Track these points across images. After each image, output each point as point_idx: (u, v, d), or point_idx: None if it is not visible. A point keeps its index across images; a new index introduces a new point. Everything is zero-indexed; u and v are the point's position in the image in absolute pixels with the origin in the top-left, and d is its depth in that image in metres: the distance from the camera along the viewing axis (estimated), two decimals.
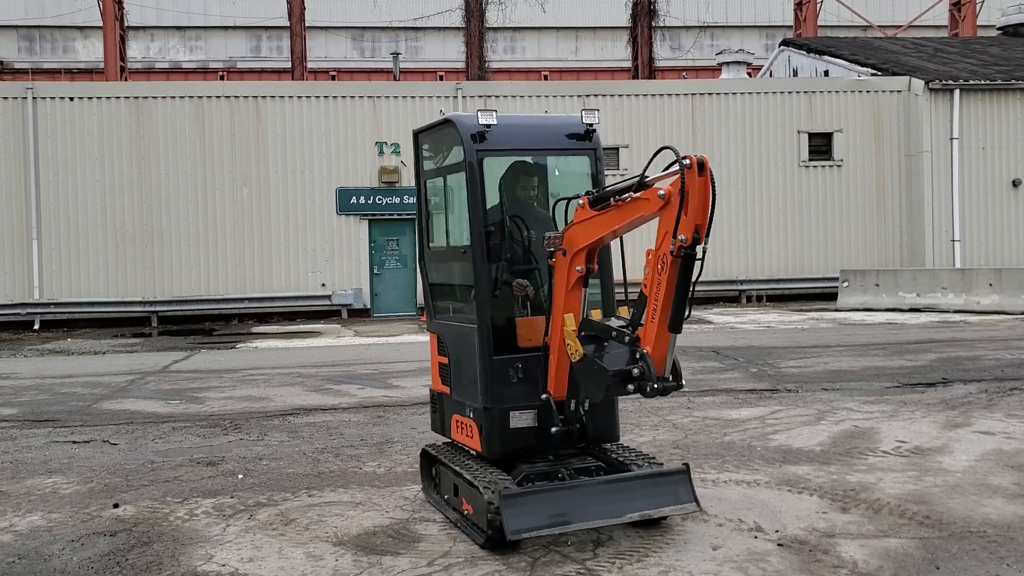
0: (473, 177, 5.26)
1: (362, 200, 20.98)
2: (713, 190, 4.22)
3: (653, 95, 21.93)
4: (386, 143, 21.20)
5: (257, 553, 5.15)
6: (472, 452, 5.56)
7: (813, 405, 8.89)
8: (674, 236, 4.21)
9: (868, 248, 22.01)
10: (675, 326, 4.41)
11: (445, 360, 5.69)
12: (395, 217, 21.21)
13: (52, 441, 8.32)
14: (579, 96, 21.77)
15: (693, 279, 4.31)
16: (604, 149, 19.85)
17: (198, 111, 20.77)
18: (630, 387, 4.50)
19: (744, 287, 21.45)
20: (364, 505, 5.97)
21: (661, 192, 4.30)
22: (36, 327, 19.76)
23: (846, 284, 19.88)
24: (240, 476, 6.86)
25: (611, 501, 5.04)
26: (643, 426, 8.11)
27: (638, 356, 4.43)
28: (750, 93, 22.18)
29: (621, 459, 5.50)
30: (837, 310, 19.34)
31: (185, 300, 20.19)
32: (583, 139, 5.57)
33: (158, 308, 19.97)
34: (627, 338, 4.54)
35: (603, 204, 4.71)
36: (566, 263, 4.93)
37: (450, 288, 5.91)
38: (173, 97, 20.94)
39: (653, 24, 31.84)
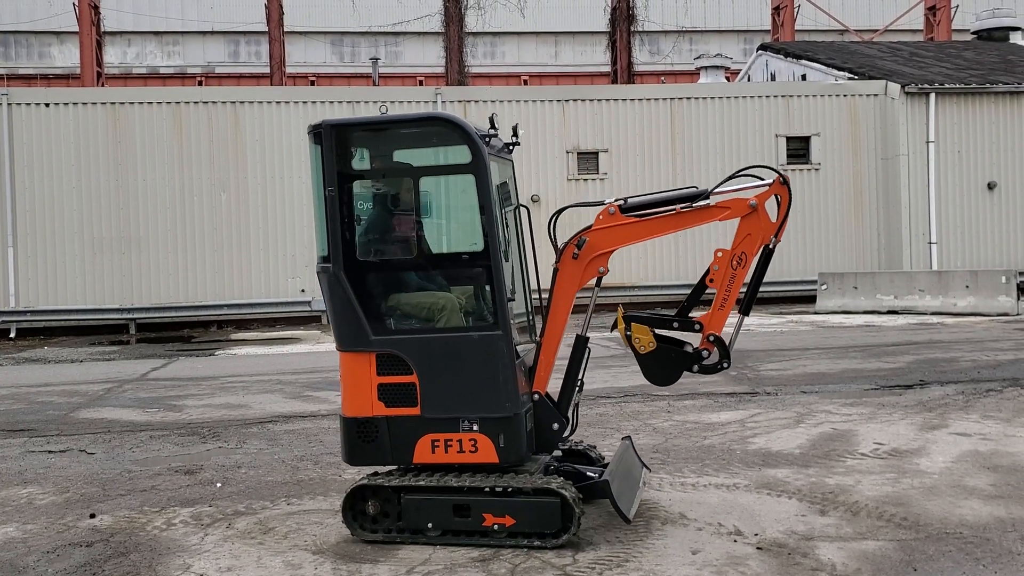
0: (487, 179, 5.15)
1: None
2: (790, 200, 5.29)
3: (632, 100, 22.00)
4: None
5: (236, 562, 5.12)
6: (455, 467, 5.29)
7: (792, 408, 8.93)
8: (775, 236, 5.24)
9: (846, 251, 22.18)
10: (748, 310, 5.53)
11: (405, 379, 5.25)
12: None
13: (27, 451, 8.23)
14: (559, 101, 21.81)
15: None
16: (585, 153, 19.75)
17: (176, 117, 20.65)
18: (695, 367, 5.38)
19: None
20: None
21: (753, 202, 5.20)
22: (12, 335, 19.54)
23: (824, 287, 20.00)
24: (218, 485, 6.81)
25: (631, 472, 5.72)
26: (623, 430, 8.12)
27: (711, 339, 5.30)
28: (728, 97, 22.30)
29: (579, 448, 6.03)
30: (816, 313, 19.46)
31: (163, 307, 20.04)
32: (511, 152, 5.94)
33: (136, 315, 19.80)
34: (695, 325, 5.31)
35: (643, 212, 5.29)
36: (579, 267, 5.28)
37: (410, 298, 5.52)
38: (151, 103, 20.80)
39: (632, 29, 31.92)
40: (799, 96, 22.38)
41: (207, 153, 20.69)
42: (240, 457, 7.72)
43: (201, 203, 20.54)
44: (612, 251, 5.30)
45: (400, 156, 5.76)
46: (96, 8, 30.45)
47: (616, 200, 5.35)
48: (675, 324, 5.34)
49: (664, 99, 22.06)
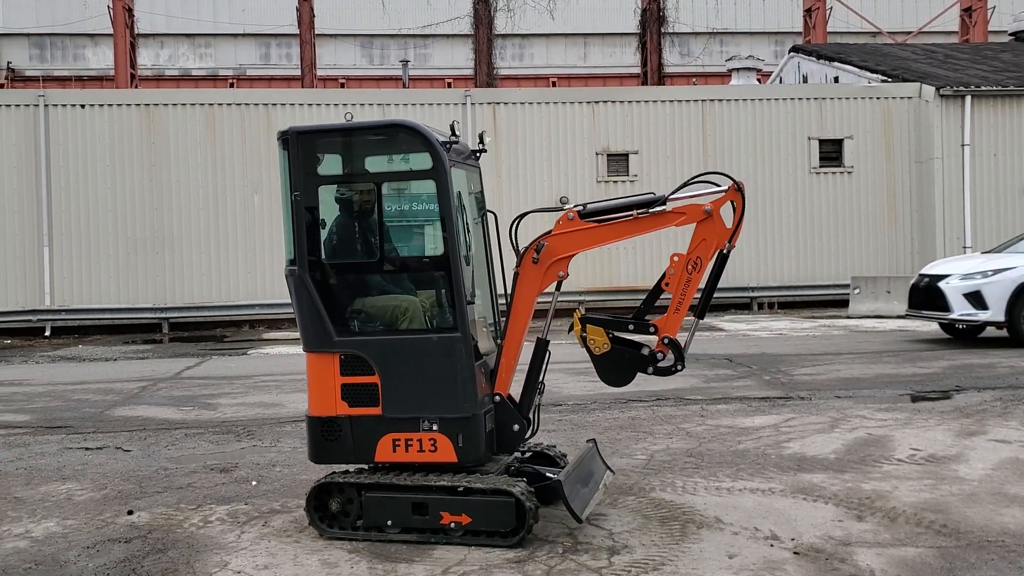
0: (448, 185, 5.27)
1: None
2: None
3: (663, 101, 21.91)
4: None
5: (272, 560, 5.15)
6: (417, 466, 5.40)
7: (826, 413, 8.85)
8: (729, 241, 5.34)
9: (879, 255, 21.94)
10: (703, 314, 5.59)
11: (367, 379, 5.39)
12: (403, 223, 21.21)
13: (65, 447, 8.34)
14: (588, 102, 21.77)
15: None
16: (615, 155, 19.71)
17: (209, 118, 20.85)
18: (649, 369, 5.47)
19: (755, 294, 21.40)
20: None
21: (708, 208, 5.28)
22: (47, 333, 19.81)
23: (857, 291, 19.81)
24: (254, 483, 6.87)
25: (590, 475, 5.77)
26: (656, 435, 8.09)
27: (666, 342, 5.39)
28: (760, 100, 22.15)
29: (541, 450, 6.17)
30: (848, 317, 19.28)
31: (196, 306, 20.23)
32: (478, 158, 6.04)
33: (169, 314, 20.01)
34: (650, 328, 5.38)
35: (601, 217, 5.42)
36: (539, 271, 5.42)
37: (373, 301, 5.66)
38: (184, 104, 21.02)
39: (662, 30, 31.85)
40: (832, 98, 22.18)
41: (240, 154, 20.87)
42: (274, 455, 7.77)
43: (234, 204, 20.72)
44: (572, 255, 5.44)
45: (365, 162, 5.87)
46: (130, 11, 30.83)
47: (576, 206, 5.49)
48: (631, 327, 5.46)
49: (695, 101, 21.95)
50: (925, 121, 21.79)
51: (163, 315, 20.02)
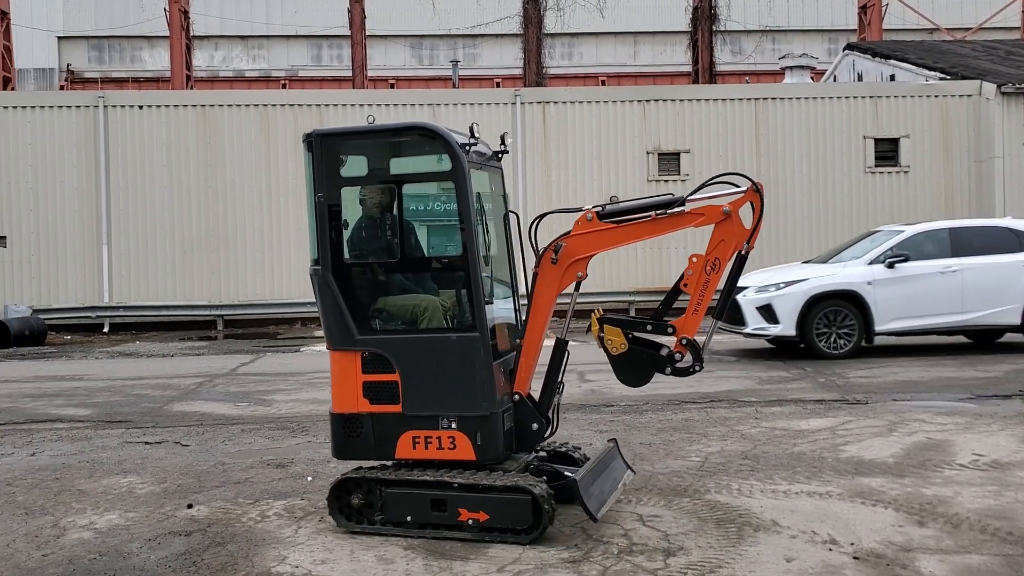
0: (467, 187, 5.32)
1: (420, 206, 21.09)
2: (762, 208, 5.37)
3: (715, 100, 21.72)
4: None
5: (329, 555, 5.21)
6: (437, 463, 5.47)
7: (883, 416, 8.70)
8: (747, 242, 5.32)
9: None
10: (721, 314, 5.58)
11: (388, 377, 5.47)
12: (451, 223, 21.31)
13: (126, 442, 8.52)
14: (639, 101, 21.65)
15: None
16: (666, 154, 19.56)
17: (263, 119, 21.14)
18: (667, 369, 5.46)
19: None
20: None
21: (726, 209, 5.28)
22: (105, 330, 20.27)
23: None
24: (309, 478, 6.94)
25: (609, 474, 5.77)
26: (711, 436, 8.02)
27: (684, 343, 5.37)
28: (815, 98, 21.84)
29: (562, 449, 6.17)
30: None
31: (250, 304, 20.54)
32: (499, 159, 6.08)
33: (223, 312, 20.34)
34: (668, 328, 5.39)
35: (620, 218, 5.44)
36: (558, 271, 5.45)
37: (394, 300, 5.73)
38: (239, 105, 21.35)
39: (714, 28, 31.56)
40: (888, 97, 21.79)
41: (293, 154, 21.10)
42: (328, 452, 7.81)
43: (287, 203, 20.98)
44: (591, 256, 5.48)
45: (386, 163, 5.95)
46: (186, 13, 31.37)
47: (594, 207, 5.53)
48: (649, 327, 5.49)
49: (748, 99, 21.72)
50: (985, 119, 21.30)
51: (218, 312, 20.36)
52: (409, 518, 5.41)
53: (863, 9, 30.92)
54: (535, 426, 5.61)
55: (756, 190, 5.34)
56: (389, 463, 5.63)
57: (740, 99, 21.74)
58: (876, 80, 24.68)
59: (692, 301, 5.36)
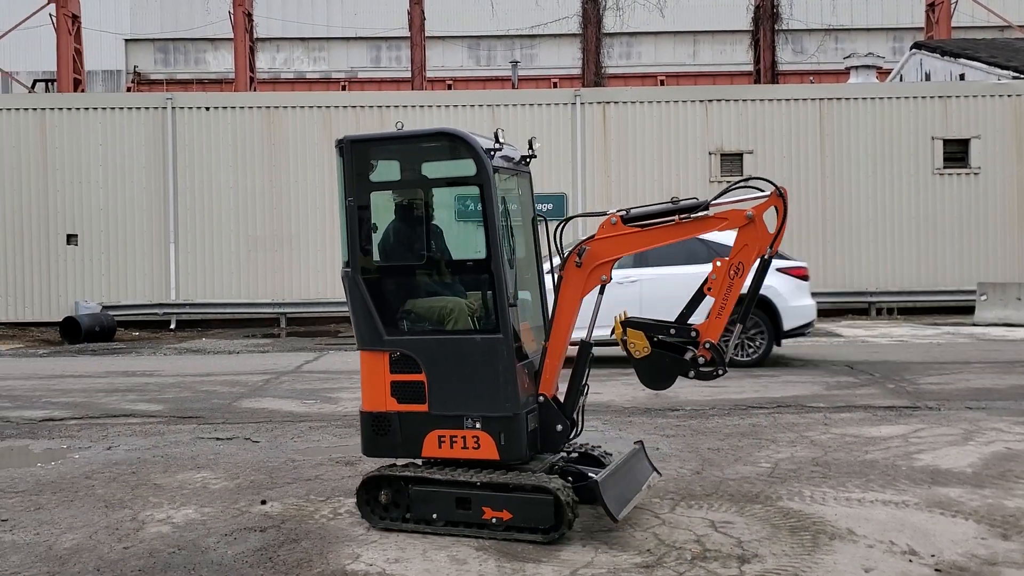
0: (492, 191, 5.40)
1: (476, 206, 21.16)
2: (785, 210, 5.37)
3: (779, 100, 21.43)
4: None
5: (402, 554, 5.24)
6: (462, 463, 5.56)
7: (958, 424, 8.49)
8: (770, 247, 5.31)
9: (1008, 260, 20.93)
10: (745, 319, 5.51)
11: (415, 377, 5.58)
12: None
13: (197, 437, 8.69)
14: (701, 101, 21.46)
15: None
16: (728, 155, 19.44)
17: (326, 120, 21.41)
18: (691, 373, 5.46)
19: (874, 299, 20.72)
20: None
21: (750, 213, 5.29)
22: (172, 326, 20.72)
23: (984, 297, 18.95)
24: None
25: (633, 476, 5.82)
26: (779, 442, 7.91)
27: (708, 346, 5.37)
28: (881, 98, 21.42)
29: (588, 451, 6.18)
30: (974, 324, 18.46)
31: (312, 303, 20.83)
32: (527, 164, 6.16)
33: (286, 310, 20.67)
34: (692, 332, 5.41)
35: (644, 222, 5.47)
36: (583, 275, 5.52)
37: (421, 302, 5.83)
38: (302, 107, 21.67)
39: (776, 27, 31.13)
40: (958, 97, 21.27)
41: None
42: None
43: None
44: (615, 260, 5.54)
45: (414, 168, 6.05)
46: (250, 16, 31.93)
47: (619, 211, 5.56)
48: (672, 331, 5.50)
49: (812, 99, 21.39)
50: None
51: (280, 310, 20.69)
52: (435, 515, 5.52)
53: (931, 7, 30.23)
54: (559, 427, 5.67)
55: (780, 194, 5.33)
56: (419, 461, 5.76)
57: (805, 99, 21.42)
58: (945, 80, 24.13)
59: (715, 305, 5.38)
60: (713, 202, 5.40)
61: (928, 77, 25.30)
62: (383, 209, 5.89)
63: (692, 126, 21.28)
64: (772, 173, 20.96)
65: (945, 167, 21.08)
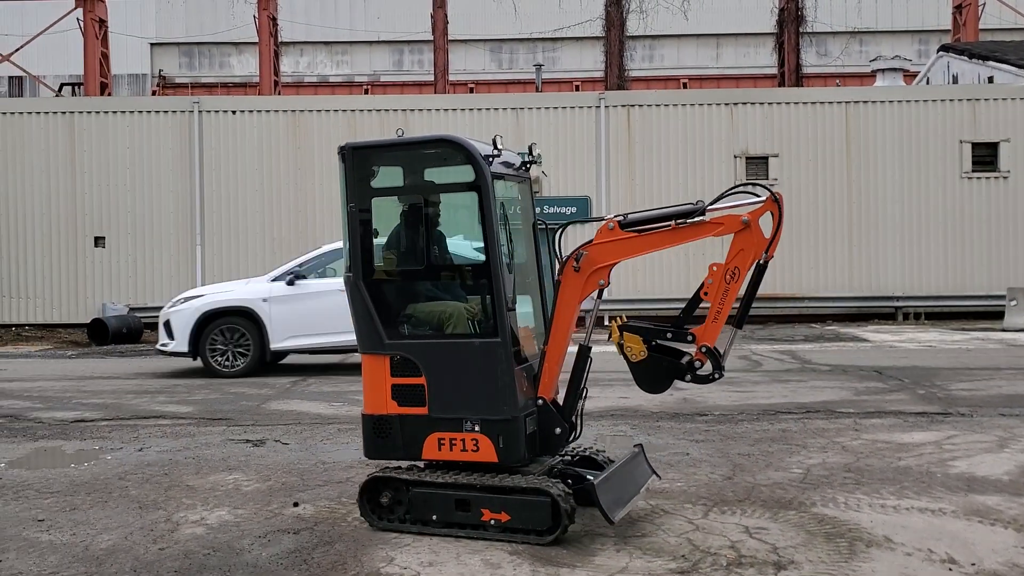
0: (490, 197, 5.48)
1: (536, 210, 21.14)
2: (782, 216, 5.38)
3: (805, 103, 21.29)
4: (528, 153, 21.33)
5: (436, 558, 5.25)
6: (461, 465, 5.65)
7: (992, 431, 8.41)
8: (766, 251, 5.33)
9: None
10: (741, 324, 5.59)
11: (415, 380, 5.66)
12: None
13: (228, 439, 8.74)
14: (726, 104, 21.36)
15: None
16: (754, 158, 19.35)
17: (351, 124, 21.48)
18: (687, 377, 5.49)
19: (900, 304, 20.54)
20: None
21: (745, 219, 5.30)
22: None
23: (1014, 303, 18.74)
24: None
25: (631, 479, 5.86)
26: (810, 448, 7.86)
27: (704, 351, 5.40)
28: (908, 101, 21.24)
29: (587, 454, 6.21)
30: (1004, 330, 18.26)
31: None
32: (527, 169, 6.22)
33: None
34: (688, 336, 5.45)
35: (642, 227, 5.52)
36: (581, 279, 5.56)
37: (421, 307, 5.91)
38: (327, 110, 21.76)
39: (800, 30, 30.92)
40: (986, 99, 21.05)
41: None
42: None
43: None
44: (613, 264, 5.57)
45: (414, 175, 6.13)
46: (274, 20, 32.10)
47: (616, 216, 5.63)
48: (669, 335, 5.55)
49: (839, 102, 21.23)
50: None
51: None
52: (435, 517, 5.60)
53: (958, 9, 29.94)
54: (558, 430, 5.73)
55: (775, 200, 5.36)
56: (422, 464, 5.83)
57: (831, 102, 21.27)
58: (973, 82, 23.89)
59: (712, 310, 5.41)
60: (709, 207, 5.44)
61: (956, 80, 25.07)
62: (384, 215, 5.98)
63: (717, 129, 21.19)
64: (798, 176, 20.89)
65: (974, 171, 20.87)
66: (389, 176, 6.06)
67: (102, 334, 18.88)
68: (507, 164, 5.88)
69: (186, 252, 21.28)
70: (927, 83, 26.76)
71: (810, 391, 10.81)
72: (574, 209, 20.62)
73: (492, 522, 5.46)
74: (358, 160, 5.81)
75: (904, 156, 20.97)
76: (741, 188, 5.52)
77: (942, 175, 20.95)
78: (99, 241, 21.33)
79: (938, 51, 27.09)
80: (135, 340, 19.21)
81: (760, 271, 5.42)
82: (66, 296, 21.27)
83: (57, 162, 21.41)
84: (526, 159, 6.10)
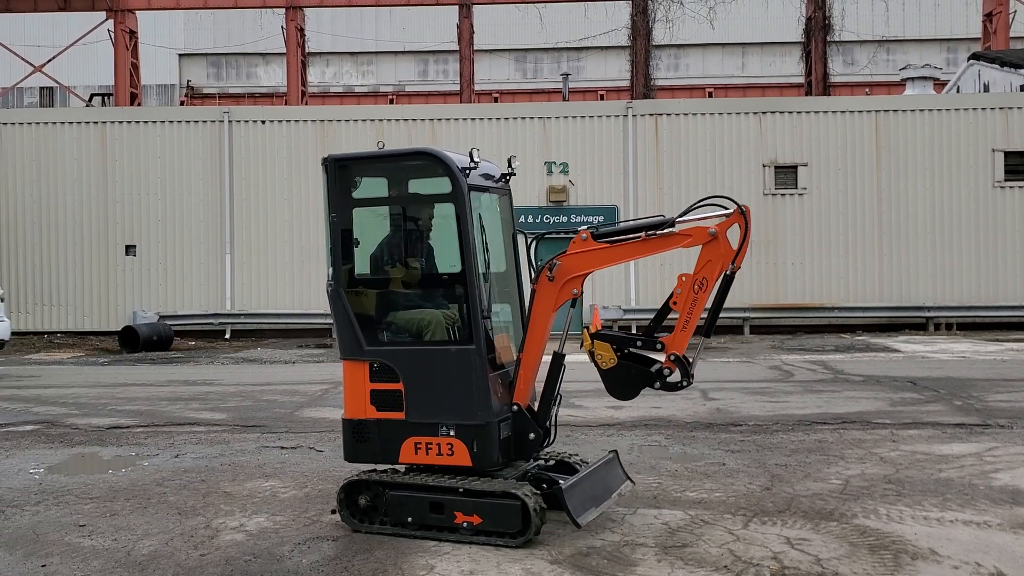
0: (465, 208, 5.62)
1: (530, 219, 21.19)
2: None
3: (834, 112, 21.17)
4: (555, 163, 21.39)
5: (476, 566, 5.24)
6: (437, 468, 5.76)
7: None
8: (732, 263, 5.40)
9: None
10: (709, 332, 5.67)
11: (393, 386, 5.77)
12: (562, 236, 21.33)
13: (262, 446, 8.77)
14: (755, 113, 21.28)
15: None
16: (782, 167, 19.30)
17: (378, 133, 21.57)
18: (657, 384, 5.58)
19: (932, 314, 20.33)
20: (568, 524, 5.94)
21: (713, 231, 5.41)
22: (227, 336, 20.98)
23: None
24: None
25: (603, 483, 5.95)
26: (848, 459, 7.78)
27: (672, 359, 5.49)
28: (939, 110, 21.08)
29: (563, 459, 6.30)
30: None
31: None
32: (507, 181, 6.36)
33: None
34: (657, 344, 5.52)
35: (613, 238, 5.64)
36: (555, 288, 5.67)
37: (400, 315, 6.01)
38: (355, 120, 21.90)
39: (828, 39, 30.77)
40: (1019, 108, 20.85)
41: None
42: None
43: None
44: (586, 274, 5.69)
45: (393, 186, 6.27)
46: (302, 31, 32.35)
47: (588, 227, 5.78)
48: (639, 343, 5.64)
49: (869, 111, 21.10)
50: None
51: (332, 321, 20.79)
52: (410, 519, 5.72)
53: (988, 17, 29.69)
54: (532, 436, 5.82)
55: (741, 212, 5.44)
56: (401, 467, 5.90)
57: (860, 111, 21.14)
58: (1005, 90, 23.66)
59: (680, 319, 5.50)
60: (679, 219, 5.58)
61: (987, 88, 24.84)
62: (366, 225, 6.11)
63: (745, 138, 21.11)
64: (827, 185, 20.77)
65: (1006, 180, 20.66)
66: (370, 187, 6.21)
67: (133, 342, 19.05)
68: (486, 176, 6.05)
69: (215, 260, 21.45)
70: (957, 91, 26.54)
71: (844, 402, 10.71)
72: (601, 218, 20.60)
73: (465, 524, 5.57)
74: (340, 172, 5.94)
75: (935, 165, 20.80)
76: (710, 201, 5.57)
77: (974, 184, 20.75)
78: (130, 249, 21.55)
79: (968, 59, 26.87)
80: (165, 348, 19.36)
81: (727, 281, 5.50)
82: (97, 304, 21.49)
83: (89, 171, 21.66)
84: (505, 171, 6.26)
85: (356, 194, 6.04)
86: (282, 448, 8.64)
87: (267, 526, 6.12)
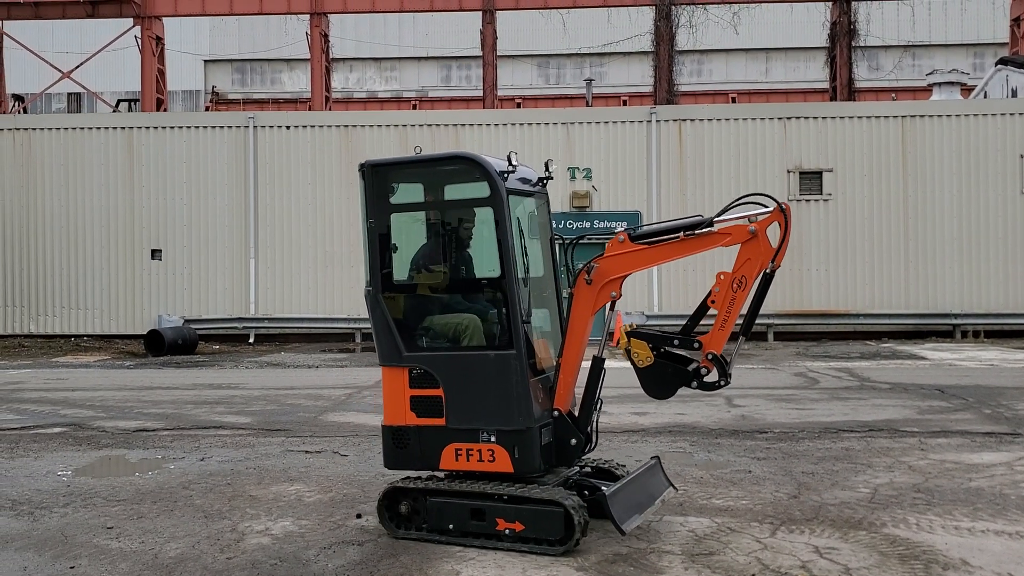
0: (504, 212, 5.59)
1: (553, 225, 21.14)
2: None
3: (859, 117, 21.04)
4: (578, 168, 21.37)
5: (501, 572, 5.22)
6: (478, 475, 5.72)
7: None
8: (772, 261, 5.37)
9: None
10: (748, 332, 5.63)
11: (433, 392, 5.74)
12: (585, 241, 21.28)
13: (287, 450, 8.81)
14: (779, 119, 21.18)
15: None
16: (807, 173, 19.22)
17: (402, 138, 21.66)
18: (693, 383, 5.53)
19: (959, 321, 20.12)
20: (598, 531, 5.93)
21: (752, 228, 5.36)
22: (251, 340, 21.09)
23: None
24: None
25: (645, 490, 5.89)
26: (876, 467, 7.70)
27: (710, 358, 5.43)
28: (967, 115, 20.88)
29: (604, 466, 6.26)
30: None
31: None
32: (544, 185, 6.33)
33: (362, 325, 20.86)
34: (695, 343, 5.48)
35: (651, 239, 5.60)
36: (593, 292, 5.63)
37: (438, 319, 5.96)
38: (379, 125, 21.98)
39: (853, 44, 30.57)
40: None
41: None
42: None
43: None
44: (624, 276, 5.64)
45: (431, 191, 6.23)
46: (326, 37, 32.52)
47: (626, 229, 5.72)
48: (676, 342, 5.59)
49: (895, 117, 20.95)
50: None
51: (355, 326, 20.91)
52: (451, 526, 5.66)
53: (1016, 21, 29.39)
54: (574, 441, 5.77)
55: (782, 210, 5.40)
56: (441, 474, 5.89)
57: (886, 116, 20.99)
58: None
59: (719, 318, 5.45)
60: (716, 218, 5.50)
61: (1015, 93, 24.58)
62: (403, 230, 6.09)
63: (770, 143, 21.01)
64: (853, 191, 20.62)
65: None
66: (407, 192, 6.18)
67: (158, 345, 19.20)
68: (524, 180, 6.01)
69: (240, 265, 21.59)
70: (984, 97, 26.29)
71: (871, 409, 10.61)
72: (624, 224, 20.53)
73: (506, 531, 5.52)
74: (377, 177, 5.92)
75: (962, 171, 20.60)
76: (748, 199, 5.51)
77: (1002, 190, 20.54)
78: (156, 254, 21.73)
79: (996, 64, 26.61)
80: (190, 351, 19.50)
81: (767, 280, 5.44)
82: (123, 308, 21.68)
83: (116, 176, 21.87)
84: (542, 175, 6.22)
85: (393, 199, 6.02)
86: (307, 452, 8.67)
87: (293, 530, 6.14)
